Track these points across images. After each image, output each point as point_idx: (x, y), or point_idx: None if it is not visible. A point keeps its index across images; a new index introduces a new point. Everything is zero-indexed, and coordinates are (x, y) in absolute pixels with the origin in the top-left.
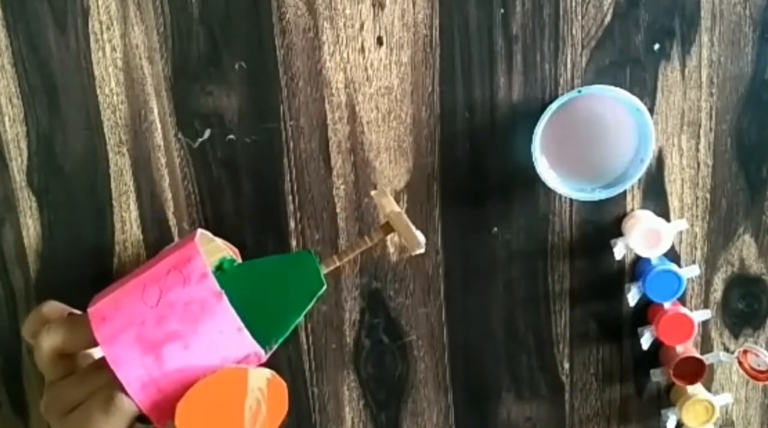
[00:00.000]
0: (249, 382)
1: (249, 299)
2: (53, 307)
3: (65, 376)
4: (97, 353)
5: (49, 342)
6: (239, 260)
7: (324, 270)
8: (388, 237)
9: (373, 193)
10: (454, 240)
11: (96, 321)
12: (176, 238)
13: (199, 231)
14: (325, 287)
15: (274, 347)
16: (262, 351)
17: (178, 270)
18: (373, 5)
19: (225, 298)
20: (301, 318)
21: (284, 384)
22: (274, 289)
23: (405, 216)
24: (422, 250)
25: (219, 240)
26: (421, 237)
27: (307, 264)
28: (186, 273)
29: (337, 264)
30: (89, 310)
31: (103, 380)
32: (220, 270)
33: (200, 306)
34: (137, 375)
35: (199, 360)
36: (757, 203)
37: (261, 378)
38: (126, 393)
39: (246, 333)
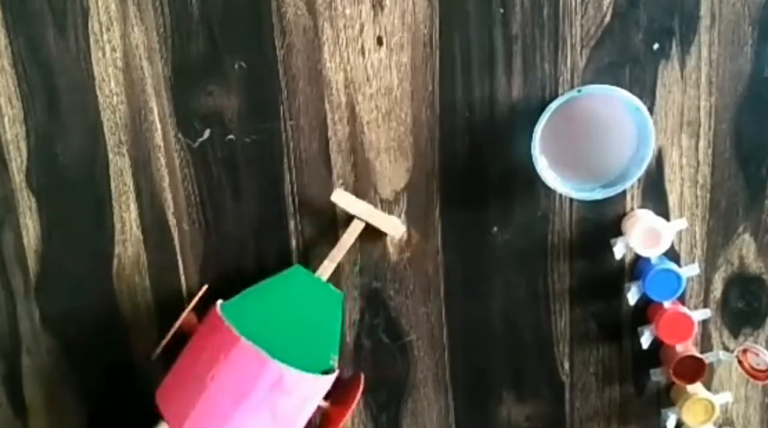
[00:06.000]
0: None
1: (275, 332)
2: None
3: None
4: None
5: None
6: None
7: (325, 277)
8: (388, 238)
9: (332, 197)
10: (454, 240)
11: None
12: (176, 238)
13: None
14: (341, 293)
15: (336, 359)
16: (336, 371)
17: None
18: (373, 5)
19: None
20: (342, 327)
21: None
22: (292, 314)
23: (371, 206)
24: (403, 230)
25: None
26: (395, 219)
27: (302, 278)
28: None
29: (334, 266)
30: None
31: None
32: None
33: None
34: None
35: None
36: (756, 202)
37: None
38: None
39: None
